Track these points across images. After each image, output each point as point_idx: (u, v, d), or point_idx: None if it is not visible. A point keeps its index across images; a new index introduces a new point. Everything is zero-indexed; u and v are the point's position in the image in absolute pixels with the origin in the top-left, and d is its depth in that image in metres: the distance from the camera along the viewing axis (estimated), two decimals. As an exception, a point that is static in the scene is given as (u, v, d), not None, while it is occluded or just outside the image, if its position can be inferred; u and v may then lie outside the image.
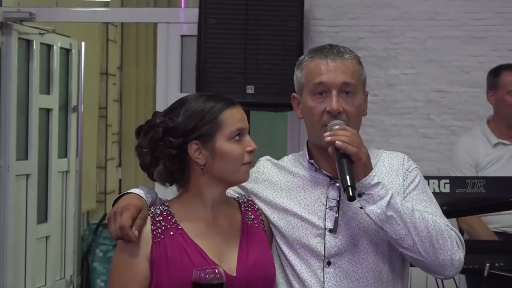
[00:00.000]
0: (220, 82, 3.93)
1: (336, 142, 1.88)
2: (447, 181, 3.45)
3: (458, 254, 1.94)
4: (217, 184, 2.01)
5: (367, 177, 1.89)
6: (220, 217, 2.04)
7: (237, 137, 1.96)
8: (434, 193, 3.40)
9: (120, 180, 6.87)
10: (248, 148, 1.97)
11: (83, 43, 5.65)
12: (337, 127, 1.94)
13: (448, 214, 3.49)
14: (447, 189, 3.44)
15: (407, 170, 2.10)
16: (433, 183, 3.42)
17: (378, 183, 1.89)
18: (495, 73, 4.20)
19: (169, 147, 1.99)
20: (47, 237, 5.32)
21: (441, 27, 4.77)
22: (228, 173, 2.00)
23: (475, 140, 4.20)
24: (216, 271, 1.85)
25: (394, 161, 2.12)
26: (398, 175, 2.08)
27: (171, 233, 1.98)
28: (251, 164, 2.00)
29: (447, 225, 1.96)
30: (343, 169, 1.88)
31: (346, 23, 4.78)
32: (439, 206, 2.09)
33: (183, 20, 4.83)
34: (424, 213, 1.94)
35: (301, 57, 2.15)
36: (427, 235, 1.90)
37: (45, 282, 5.29)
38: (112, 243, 5.84)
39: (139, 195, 2.03)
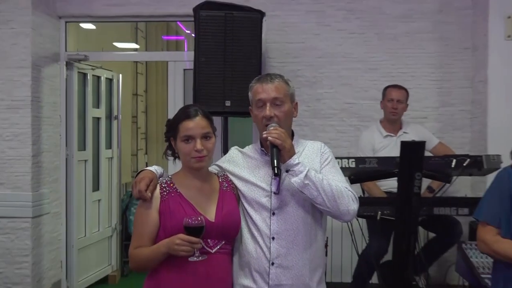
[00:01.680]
0: (208, 98, 3.90)
1: (268, 138, 1.95)
2: (354, 160, 3.49)
3: (353, 206, 1.99)
4: (187, 166, 2.07)
5: (290, 159, 1.95)
6: (205, 185, 2.08)
7: (186, 141, 1.99)
8: (345, 168, 3.47)
9: (146, 163, 6.85)
10: (194, 149, 1.98)
11: (120, 75, 5.64)
12: (271, 128, 2.00)
13: (354, 180, 3.57)
14: (353, 165, 3.47)
15: (323, 153, 2.13)
16: (345, 161, 3.46)
17: (298, 163, 1.96)
18: (384, 89, 4.25)
19: (165, 139, 2.06)
20: (99, 200, 5.31)
21: (349, 62, 4.75)
22: (185, 161, 2.06)
23: (372, 133, 4.21)
24: (199, 218, 1.90)
25: (315, 147, 2.16)
26: (317, 155, 2.12)
27: (172, 194, 2.03)
28: (203, 157, 2.00)
29: (346, 188, 2.01)
30: (272, 156, 1.96)
31: (289, 60, 4.75)
32: (343, 176, 2.13)
33: (185, 59, 4.83)
34: (331, 180, 1.99)
35: (250, 84, 2.16)
36: (331, 195, 1.95)
37: (98, 228, 5.29)
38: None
39: (152, 170, 2.09)
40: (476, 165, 3.38)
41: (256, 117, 2.10)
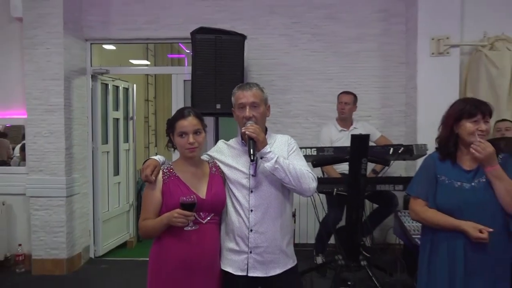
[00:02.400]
0: (203, 102, 3.85)
1: (246, 132, 1.95)
2: (315, 149, 3.47)
3: (312, 184, 1.98)
4: (182, 156, 2.04)
5: (263, 148, 1.94)
6: (198, 170, 2.05)
7: (181, 136, 1.97)
8: (309, 155, 3.44)
9: (155, 153, 6.74)
10: (188, 142, 1.96)
11: (134, 85, 5.53)
12: (248, 124, 1.98)
13: (316, 165, 3.54)
14: (315, 153, 3.45)
15: (289, 144, 2.11)
16: (309, 150, 3.44)
17: (270, 151, 1.95)
18: (338, 95, 4.22)
19: (166, 134, 2.02)
20: (119, 183, 5.22)
21: (312, 74, 4.72)
22: (181, 152, 2.03)
23: (330, 128, 4.18)
24: (192, 197, 1.89)
25: (283, 139, 2.14)
26: (285, 146, 2.10)
27: (172, 178, 2.00)
28: (194, 149, 1.98)
29: (307, 170, 2.00)
30: (249, 146, 1.94)
31: (265, 73, 4.70)
32: (305, 161, 2.10)
33: (185, 72, 4.76)
34: (295, 165, 1.98)
35: (233, 91, 2.13)
36: (296, 176, 1.94)
37: (119, 204, 5.21)
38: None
39: (156, 159, 2.06)
40: (408, 152, 3.38)
41: (238, 117, 2.08)
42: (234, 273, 2.01)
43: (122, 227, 5.25)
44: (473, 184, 1.98)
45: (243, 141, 2.09)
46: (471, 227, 1.88)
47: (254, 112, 2.03)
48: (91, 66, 4.74)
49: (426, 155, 2.18)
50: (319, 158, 3.48)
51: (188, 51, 5.81)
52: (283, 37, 4.71)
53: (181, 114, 2.00)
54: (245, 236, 2.00)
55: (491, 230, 1.86)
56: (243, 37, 4.04)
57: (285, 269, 2.05)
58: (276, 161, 1.93)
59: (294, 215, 3.21)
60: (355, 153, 3.22)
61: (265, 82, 4.65)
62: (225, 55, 3.93)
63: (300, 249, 4.18)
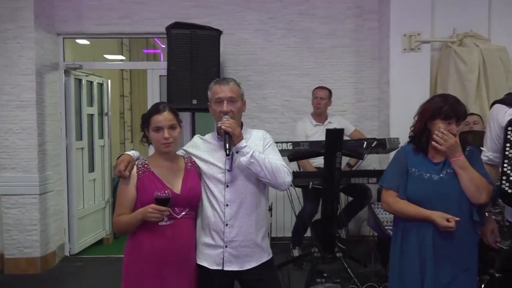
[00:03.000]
0: (179, 98, 3.83)
1: (222, 127, 1.94)
2: (291, 143, 3.51)
3: (287, 179, 2.00)
4: (157, 151, 2.03)
5: (239, 143, 1.94)
6: (173, 164, 2.04)
7: (157, 131, 1.96)
8: (285, 150, 3.48)
9: (132, 149, 6.67)
10: (163, 137, 1.95)
11: (109, 80, 5.44)
12: (224, 119, 1.98)
13: (292, 159, 3.57)
14: (291, 147, 3.48)
15: (265, 139, 2.12)
16: (285, 144, 3.47)
17: (245, 146, 1.96)
18: (313, 90, 4.27)
19: (141, 129, 2.02)
20: (94, 179, 5.14)
21: (287, 69, 4.75)
22: (156, 147, 2.01)
23: (305, 123, 4.23)
24: (166, 192, 1.88)
25: (259, 134, 2.15)
26: (261, 140, 2.11)
27: (146, 173, 1.98)
28: (170, 144, 1.98)
29: (282, 165, 2.02)
30: (224, 140, 1.95)
31: (241, 68, 4.70)
32: (280, 156, 2.11)
33: (161, 67, 4.70)
34: (271, 159, 1.99)
35: (210, 85, 2.12)
36: (271, 170, 1.95)
37: (94, 201, 5.14)
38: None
39: (129, 154, 2.04)
40: (381, 145, 3.46)
41: (214, 111, 2.07)
42: (210, 267, 2.02)
43: (98, 224, 5.18)
44: (441, 175, 2.04)
45: (219, 136, 2.08)
46: (439, 217, 1.95)
47: (231, 106, 2.03)
48: (64, 61, 4.64)
49: (399, 148, 2.23)
50: (295, 152, 3.52)
51: (164, 46, 5.75)
52: (259, 33, 4.72)
53: (156, 109, 1.99)
54: (220, 230, 2.00)
55: (457, 219, 1.93)
56: (218, 32, 4.04)
57: (260, 263, 2.06)
58: (251, 155, 1.93)
59: (270, 209, 3.25)
60: (330, 147, 3.27)
61: (241, 78, 4.65)
62: (201, 50, 3.91)
63: (277, 243, 4.24)
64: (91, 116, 5.07)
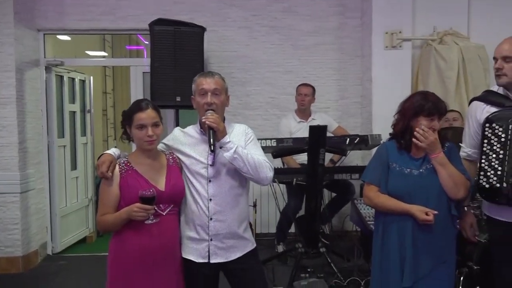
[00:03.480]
0: (163, 95, 3.81)
1: (206, 122, 1.95)
2: (275, 140, 3.53)
3: (269, 174, 2.02)
4: (140, 148, 2.02)
5: (223, 138, 1.96)
6: (155, 162, 2.04)
7: (140, 128, 1.95)
8: (269, 146, 3.49)
9: (115, 147, 6.60)
10: (146, 135, 1.95)
11: (91, 77, 5.38)
12: (209, 114, 1.98)
13: (275, 156, 3.60)
14: (275, 144, 3.50)
15: (247, 133, 2.13)
16: (269, 141, 3.49)
17: (229, 141, 1.97)
18: (296, 87, 4.30)
19: (122, 126, 2.01)
20: (76, 177, 5.08)
21: (271, 66, 4.77)
22: (139, 144, 2.00)
23: (289, 120, 4.26)
24: (151, 190, 1.88)
25: (241, 129, 2.16)
26: (243, 135, 2.12)
27: (130, 172, 1.97)
28: (153, 141, 1.98)
29: (264, 160, 2.04)
30: (209, 136, 1.95)
31: (225, 65, 4.70)
32: (262, 151, 2.13)
33: (144, 64, 4.66)
34: (253, 154, 2.01)
35: (194, 78, 2.12)
36: (254, 165, 1.97)
37: (77, 199, 5.09)
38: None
39: (110, 153, 2.02)
40: (364, 142, 3.51)
41: (198, 103, 2.07)
42: (196, 261, 2.03)
43: (81, 223, 5.13)
44: (421, 170, 2.09)
45: (201, 130, 2.08)
46: (418, 211, 2.00)
47: (215, 99, 2.03)
48: (44, 57, 4.57)
49: (381, 144, 2.27)
50: (279, 149, 3.54)
51: (147, 43, 5.71)
52: (243, 30, 4.72)
53: (139, 106, 1.97)
54: (205, 224, 2.02)
55: (436, 212, 1.98)
56: (202, 29, 4.03)
57: (244, 252, 2.09)
58: (235, 151, 1.95)
59: (255, 205, 3.27)
60: (313, 143, 3.31)
61: (225, 74, 4.52)
62: (185, 47, 3.89)
63: (261, 239, 4.27)
64: (73, 113, 5.00)
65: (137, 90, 4.68)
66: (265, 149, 3.43)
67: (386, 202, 2.11)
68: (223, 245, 2.04)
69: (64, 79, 4.81)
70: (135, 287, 1.94)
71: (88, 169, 5.30)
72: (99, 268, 4.06)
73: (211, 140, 1.94)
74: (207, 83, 2.04)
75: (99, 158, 2.00)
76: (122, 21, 4.60)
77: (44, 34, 4.59)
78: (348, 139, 3.50)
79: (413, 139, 2.05)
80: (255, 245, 2.17)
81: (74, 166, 5.03)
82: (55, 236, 4.64)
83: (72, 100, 4.99)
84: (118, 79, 6.91)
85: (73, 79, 5.00)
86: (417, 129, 2.04)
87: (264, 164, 2.01)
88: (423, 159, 2.11)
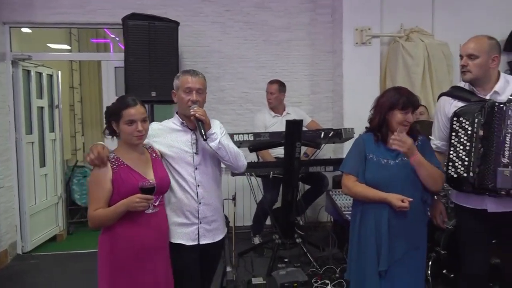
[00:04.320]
0: (137, 90, 3.80)
1: (196, 115, 2.11)
2: (252, 134, 3.61)
3: (244, 162, 2.29)
4: (127, 142, 2.08)
5: (209, 130, 2.14)
6: (142, 156, 2.13)
7: (130, 123, 2.01)
8: (246, 140, 3.57)
9: (83, 143, 6.51)
10: (136, 130, 2.02)
11: (59, 71, 5.26)
12: (196, 108, 2.14)
13: (252, 150, 3.68)
14: (252, 138, 3.58)
15: (221, 127, 2.30)
16: (246, 135, 3.57)
17: (214, 132, 2.16)
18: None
19: (106, 122, 2.05)
20: (46, 174, 4.97)
21: (244, 62, 4.85)
22: (127, 139, 2.06)
23: (264, 114, 4.33)
24: (151, 181, 1.96)
25: (216, 123, 2.31)
26: (218, 129, 2.27)
27: (122, 167, 2.03)
28: (142, 136, 2.06)
29: (238, 150, 2.27)
30: (199, 128, 2.12)
31: (199, 60, 4.75)
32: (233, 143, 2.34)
33: (116, 58, 4.65)
34: (231, 145, 2.24)
35: (178, 74, 2.29)
36: (234, 155, 2.21)
37: (46, 197, 4.98)
38: (81, 175, 5.59)
39: (103, 144, 2.08)
40: (337, 135, 3.64)
41: (182, 99, 2.20)
42: (187, 244, 2.20)
43: (51, 221, 5.04)
44: (397, 161, 2.23)
45: (183, 122, 2.23)
46: (395, 198, 2.14)
47: (199, 97, 2.20)
48: (11, 51, 4.45)
49: (358, 136, 2.39)
50: (256, 143, 3.62)
51: (113, 36, 5.64)
52: (216, 25, 4.77)
53: (127, 102, 2.03)
54: (194, 209, 2.20)
55: (411, 199, 2.13)
56: (176, 24, 4.05)
57: (224, 234, 2.37)
58: (219, 141, 2.15)
59: (234, 199, 3.35)
60: (289, 137, 3.42)
61: (199, 69, 4.54)
62: (159, 42, 3.91)
63: (237, 232, 4.33)
64: (41, 108, 4.88)
65: (109, 85, 4.64)
66: (242, 143, 3.54)
67: (363, 191, 2.24)
68: (210, 227, 2.25)
69: (32, 73, 4.68)
70: (130, 279, 2.00)
71: (57, 166, 5.19)
72: (71, 266, 4.09)
73: (202, 130, 2.10)
74: (193, 82, 2.19)
75: (91, 148, 2.04)
76: (92, 14, 4.54)
77: (10, 27, 4.47)
78: (323, 133, 3.63)
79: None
80: (226, 230, 2.43)
81: (43, 163, 4.92)
82: (25, 235, 4.55)
83: (40, 95, 4.87)
84: (85, 73, 6.75)
85: (40, 73, 4.88)
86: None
87: (240, 153, 2.27)
88: (399, 151, 2.25)
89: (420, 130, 2.44)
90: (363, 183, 2.25)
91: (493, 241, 2.41)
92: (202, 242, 2.22)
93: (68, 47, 6.05)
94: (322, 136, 3.62)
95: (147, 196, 1.94)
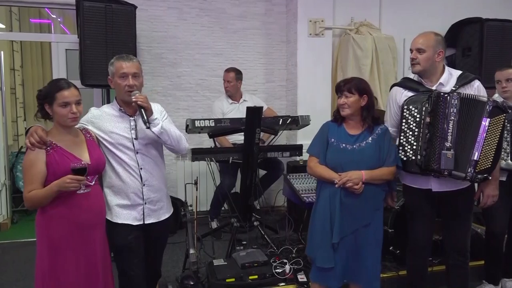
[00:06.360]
0: (94, 74, 3.80)
1: (138, 102, 2.20)
2: (213, 120, 3.65)
3: (186, 144, 2.43)
4: (61, 124, 2.12)
5: (151, 116, 2.24)
6: (76, 138, 2.20)
7: (64, 106, 2.07)
8: (206, 126, 3.62)
9: (25, 128, 6.25)
10: (71, 112, 2.07)
11: (2, 52, 5.02)
12: (137, 94, 2.23)
13: (212, 136, 3.76)
14: (213, 124, 3.62)
15: (162, 111, 2.43)
16: (207, 121, 3.60)
17: (156, 118, 2.27)
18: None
19: (38, 104, 2.12)
20: (-12, 161, 4.78)
21: (201, 48, 4.91)
22: (61, 121, 2.11)
23: (222, 102, 4.42)
24: (82, 162, 2.05)
25: (157, 107, 2.43)
26: (160, 113, 2.40)
27: (55, 149, 2.09)
28: (77, 118, 2.11)
29: (180, 133, 2.38)
30: (141, 114, 2.23)
31: (155, 45, 4.75)
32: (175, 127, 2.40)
33: (69, 41, 4.55)
34: (173, 129, 2.34)
35: (112, 60, 2.34)
36: (176, 138, 2.33)
37: (-10, 185, 4.79)
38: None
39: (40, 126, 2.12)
40: (295, 122, 3.82)
41: (119, 85, 2.27)
42: (133, 224, 2.31)
43: (-6, 209, 4.86)
44: (354, 146, 2.46)
45: (121, 109, 2.31)
46: (334, 176, 2.39)
47: (135, 81, 2.26)
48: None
49: (324, 123, 2.59)
50: (216, 129, 3.69)
51: (54, 16, 5.47)
52: (172, 10, 4.78)
53: (61, 85, 2.08)
54: (139, 191, 2.31)
55: (342, 181, 2.37)
56: (134, 7, 4.04)
57: (170, 214, 2.48)
58: (162, 126, 2.25)
59: (196, 183, 3.44)
60: (250, 123, 3.54)
61: (155, 55, 4.71)
62: (116, 25, 3.89)
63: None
64: (-18, 92, 4.68)
65: (60, 68, 4.53)
66: (203, 128, 3.63)
67: (322, 172, 2.47)
68: (155, 207, 2.37)
69: (-28, 54, 4.47)
70: (65, 257, 2.09)
71: (0, 152, 4.99)
72: (17, 255, 3.99)
73: (145, 117, 2.20)
74: (127, 67, 2.25)
75: (27, 132, 2.08)
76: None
77: (-52, 3, 4.23)
78: (281, 119, 3.79)
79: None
80: (172, 209, 2.53)
81: (-15, 149, 4.72)
82: (-33, 224, 4.37)
83: (-19, 78, 4.65)
84: (28, 54, 6.47)
85: (-19, 54, 4.66)
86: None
87: (182, 137, 2.38)
88: (357, 137, 2.48)
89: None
90: (324, 164, 2.47)
91: (436, 219, 2.71)
92: (147, 221, 2.34)
93: (3, 27, 5.76)
94: (280, 123, 3.78)
95: (78, 177, 1.99)
